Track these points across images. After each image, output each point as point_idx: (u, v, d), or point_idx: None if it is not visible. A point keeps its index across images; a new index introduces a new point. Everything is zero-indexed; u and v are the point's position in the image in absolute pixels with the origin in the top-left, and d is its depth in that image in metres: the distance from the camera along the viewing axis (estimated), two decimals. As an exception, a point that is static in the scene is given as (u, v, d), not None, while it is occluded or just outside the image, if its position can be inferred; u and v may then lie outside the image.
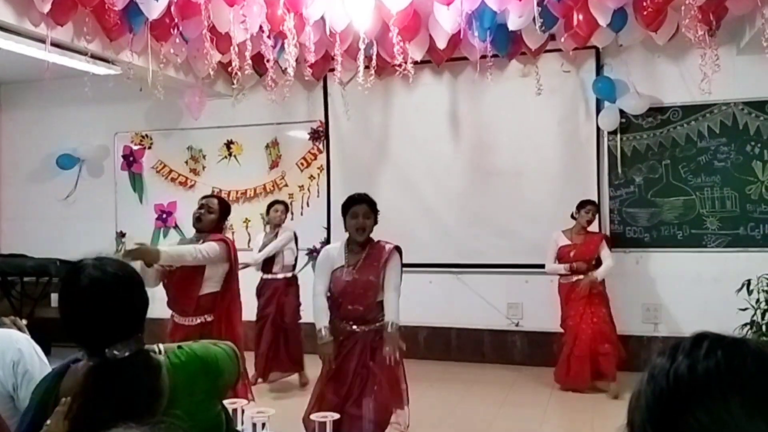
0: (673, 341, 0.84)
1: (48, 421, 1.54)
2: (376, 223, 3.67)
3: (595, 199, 5.76)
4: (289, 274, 5.66)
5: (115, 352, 1.52)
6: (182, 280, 3.86)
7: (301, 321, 5.57)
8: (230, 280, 3.97)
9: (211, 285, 3.90)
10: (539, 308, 6.04)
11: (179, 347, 1.67)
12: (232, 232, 6.77)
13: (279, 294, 5.56)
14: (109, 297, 1.55)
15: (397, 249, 3.69)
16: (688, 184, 5.88)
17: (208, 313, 3.90)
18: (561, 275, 5.54)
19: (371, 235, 3.68)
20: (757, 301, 4.88)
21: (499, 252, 6.23)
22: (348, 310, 3.61)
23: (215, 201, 4.11)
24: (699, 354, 0.80)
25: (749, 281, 4.92)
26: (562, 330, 5.58)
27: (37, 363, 2.00)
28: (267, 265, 5.62)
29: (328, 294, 3.68)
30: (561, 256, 5.52)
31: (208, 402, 1.68)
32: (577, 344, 5.33)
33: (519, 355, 6.27)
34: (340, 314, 3.64)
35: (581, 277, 5.41)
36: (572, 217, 5.54)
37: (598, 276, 5.39)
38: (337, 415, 2.30)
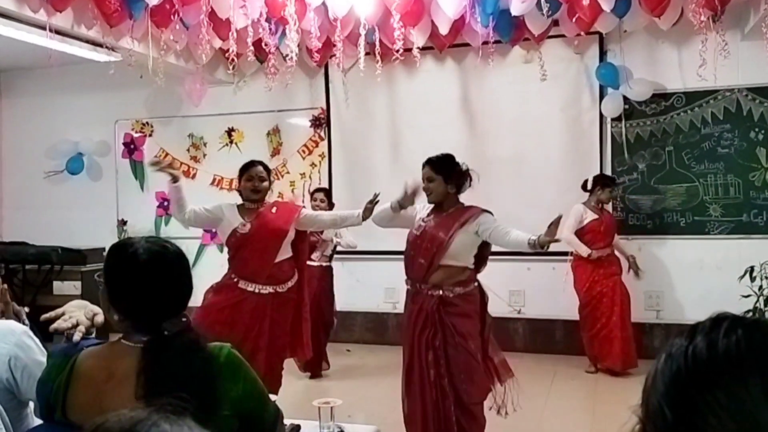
0: (676, 328, 0.83)
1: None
2: (447, 184, 3.65)
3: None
4: (325, 264, 5.56)
5: (166, 329, 1.54)
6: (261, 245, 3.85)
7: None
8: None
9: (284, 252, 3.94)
10: (541, 295, 6.03)
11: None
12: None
13: (314, 281, 5.23)
14: (169, 270, 1.58)
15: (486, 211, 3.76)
16: (691, 171, 5.85)
17: (280, 283, 3.89)
18: (582, 249, 5.50)
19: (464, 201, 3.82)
20: (760, 288, 4.87)
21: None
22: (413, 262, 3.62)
23: (262, 168, 3.98)
24: (718, 333, 0.79)
25: (752, 268, 4.92)
26: (583, 302, 5.48)
27: (36, 355, 1.94)
28: None
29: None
30: (590, 230, 5.45)
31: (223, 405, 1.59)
32: (618, 323, 5.30)
33: (521, 342, 6.26)
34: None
35: (609, 252, 5.45)
36: (585, 189, 5.53)
37: None
38: (339, 401, 2.27)
